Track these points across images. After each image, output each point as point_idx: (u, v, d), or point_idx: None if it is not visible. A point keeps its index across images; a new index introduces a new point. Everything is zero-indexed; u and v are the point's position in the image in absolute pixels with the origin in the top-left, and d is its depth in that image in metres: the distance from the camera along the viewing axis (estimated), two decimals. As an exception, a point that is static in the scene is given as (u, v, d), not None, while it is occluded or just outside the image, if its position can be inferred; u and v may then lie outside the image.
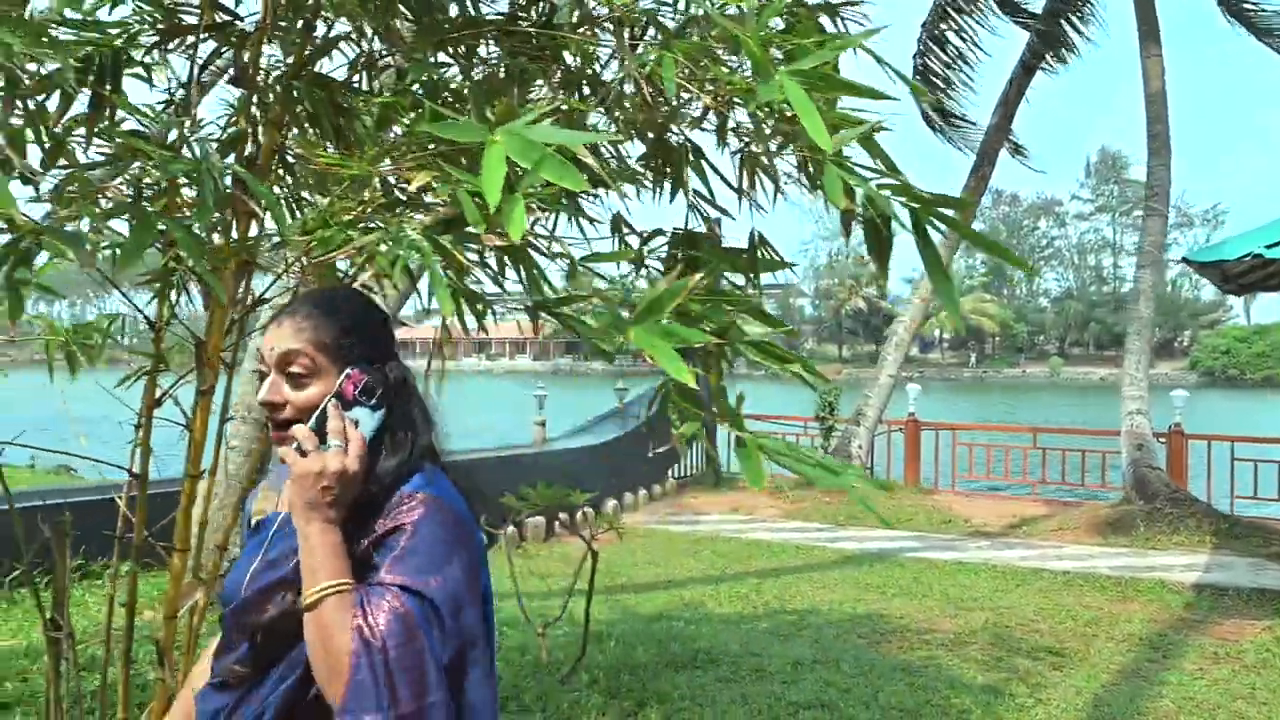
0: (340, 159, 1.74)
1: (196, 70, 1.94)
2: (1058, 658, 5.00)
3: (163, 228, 1.51)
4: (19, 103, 1.59)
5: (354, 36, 2.02)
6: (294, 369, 1.22)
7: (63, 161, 1.67)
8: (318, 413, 1.19)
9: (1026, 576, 6.82)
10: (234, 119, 1.95)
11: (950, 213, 1.39)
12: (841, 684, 4.31)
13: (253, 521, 1.35)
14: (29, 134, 1.60)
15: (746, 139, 1.92)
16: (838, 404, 11.45)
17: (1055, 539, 8.12)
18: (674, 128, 2.01)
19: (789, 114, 1.47)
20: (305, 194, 2.05)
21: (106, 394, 2.19)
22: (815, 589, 6.50)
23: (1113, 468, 9.97)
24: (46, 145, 1.62)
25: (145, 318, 2.13)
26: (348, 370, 1.22)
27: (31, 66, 1.58)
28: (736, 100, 1.67)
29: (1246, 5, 11.08)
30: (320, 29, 1.94)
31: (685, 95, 1.81)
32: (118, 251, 1.62)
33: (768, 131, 1.73)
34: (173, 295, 2.08)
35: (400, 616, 1.10)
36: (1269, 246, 4.75)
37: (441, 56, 2.04)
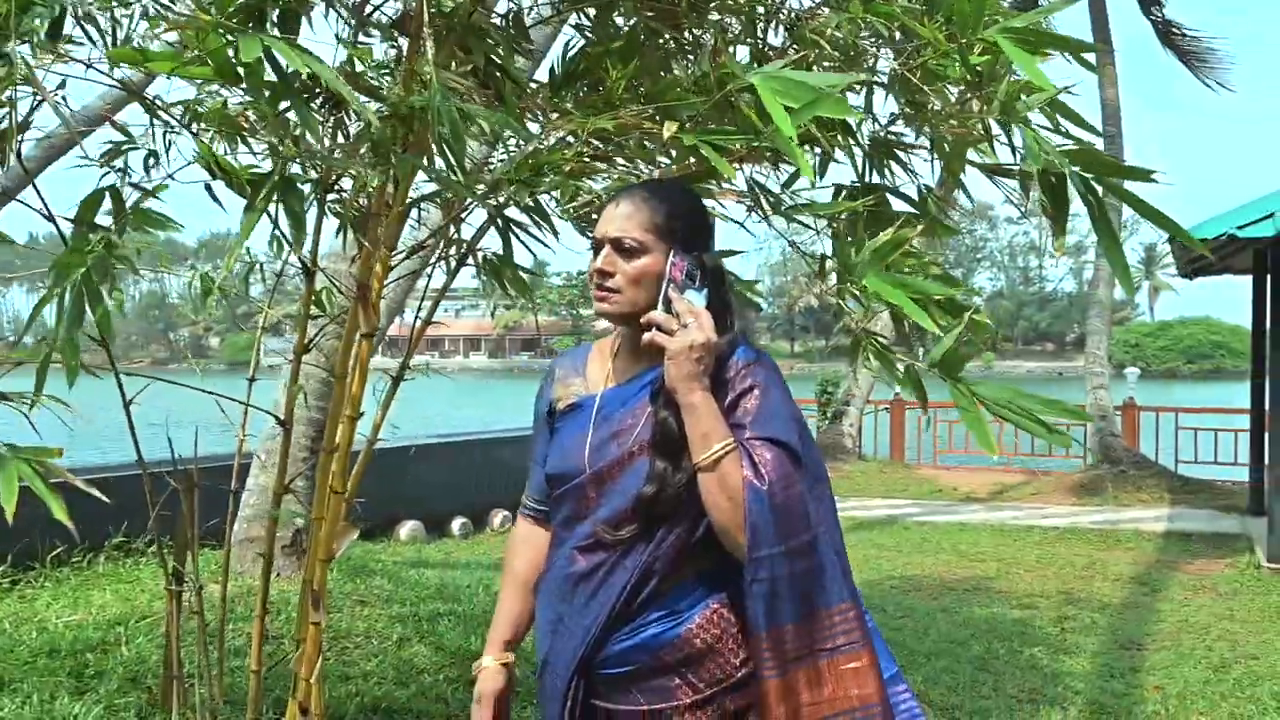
0: (578, 114, 1.80)
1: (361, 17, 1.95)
2: (1067, 596, 5.66)
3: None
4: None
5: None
6: (627, 244, 1.33)
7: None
8: (661, 299, 1.30)
9: (1022, 533, 7.52)
10: (398, 65, 1.96)
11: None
12: (891, 624, 4.85)
13: (557, 407, 1.46)
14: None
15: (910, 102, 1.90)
16: (838, 389, 12.13)
17: (1038, 501, 8.89)
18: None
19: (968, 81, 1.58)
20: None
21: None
22: (835, 550, 7.08)
23: (1073, 440, 10.82)
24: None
25: (302, 261, 2.17)
26: (673, 259, 1.31)
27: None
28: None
29: (1173, 31, 11.91)
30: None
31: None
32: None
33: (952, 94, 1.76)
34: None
35: (781, 464, 1.26)
36: (1240, 228, 5.47)
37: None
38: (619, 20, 2.06)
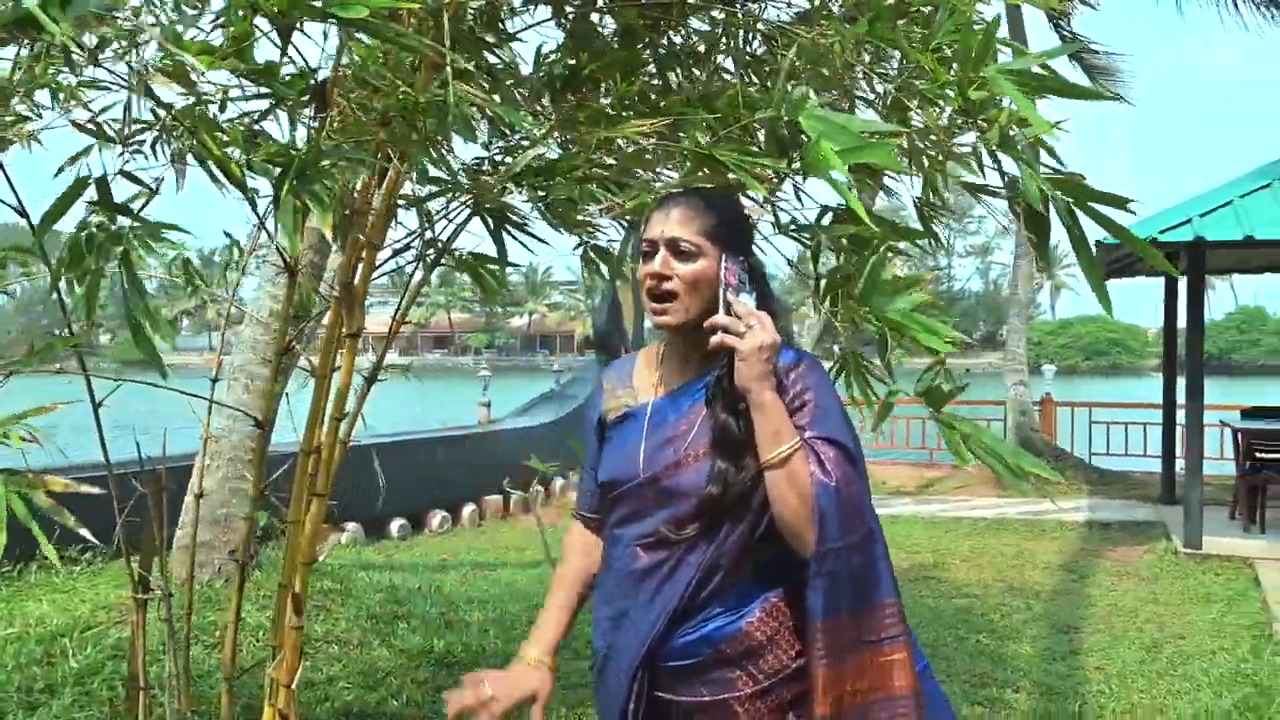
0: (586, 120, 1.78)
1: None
2: (1003, 584, 5.90)
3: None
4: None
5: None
6: (684, 248, 1.35)
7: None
8: (721, 302, 1.33)
9: (952, 525, 7.78)
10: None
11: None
12: (840, 614, 5.00)
13: (607, 418, 1.48)
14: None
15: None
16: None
17: (964, 494, 9.22)
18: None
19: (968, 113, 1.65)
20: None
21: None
22: (778, 545, 7.21)
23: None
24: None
25: (284, 258, 2.10)
26: (726, 264, 1.34)
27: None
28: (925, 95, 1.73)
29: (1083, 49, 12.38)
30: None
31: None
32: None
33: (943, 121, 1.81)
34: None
35: (842, 462, 1.31)
36: (1161, 232, 5.78)
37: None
38: (601, 25, 2.05)
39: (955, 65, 1.60)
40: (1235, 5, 11.47)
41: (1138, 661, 4.25)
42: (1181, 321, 6.99)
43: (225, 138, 1.66)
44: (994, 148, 1.68)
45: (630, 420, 1.45)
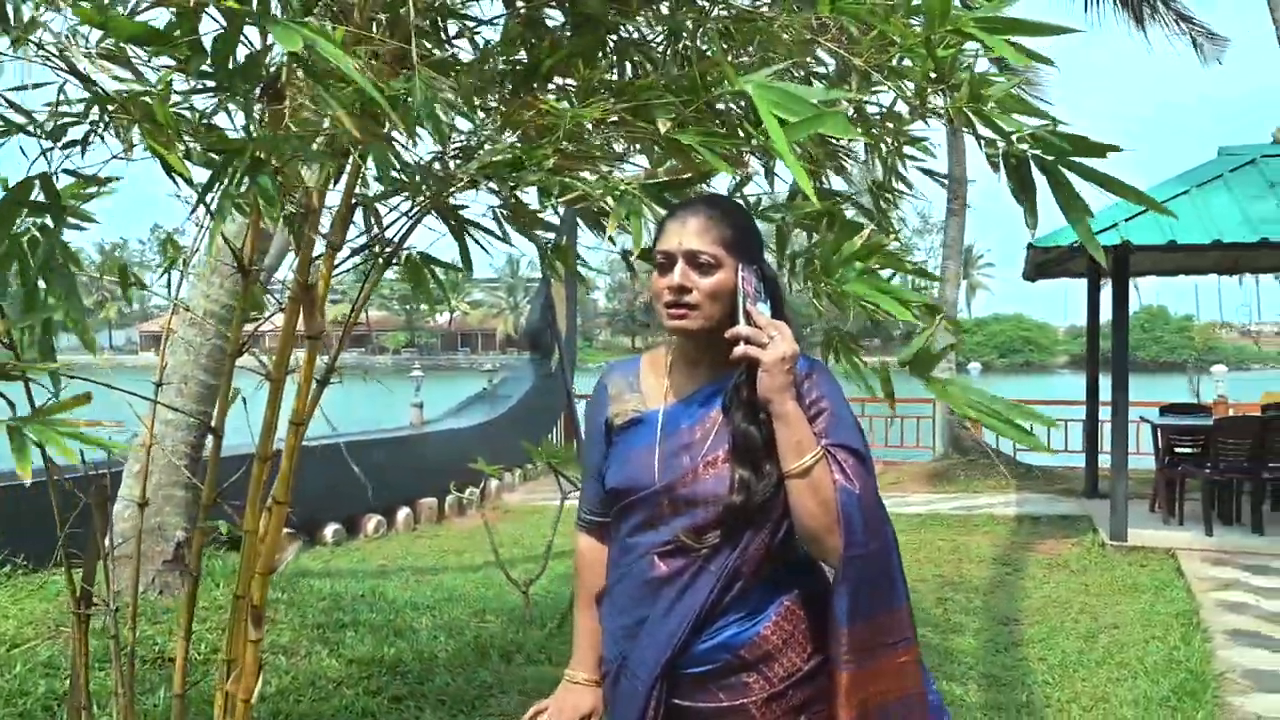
0: (552, 107, 1.72)
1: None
2: (942, 578, 6.04)
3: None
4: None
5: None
6: (702, 260, 1.34)
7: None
8: (741, 313, 1.32)
9: (889, 520, 7.95)
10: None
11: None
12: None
13: (615, 422, 1.46)
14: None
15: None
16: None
17: (897, 491, 9.41)
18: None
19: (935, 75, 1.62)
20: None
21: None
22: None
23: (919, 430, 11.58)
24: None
25: (237, 258, 2.05)
26: (742, 274, 1.34)
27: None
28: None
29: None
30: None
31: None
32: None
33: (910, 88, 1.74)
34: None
35: (861, 471, 1.32)
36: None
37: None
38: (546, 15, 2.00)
39: (921, 25, 1.56)
40: (1140, 24, 12.02)
41: (1077, 651, 4.40)
42: (1103, 320, 7.26)
43: (166, 126, 1.55)
44: (966, 105, 1.60)
45: (640, 426, 1.43)
